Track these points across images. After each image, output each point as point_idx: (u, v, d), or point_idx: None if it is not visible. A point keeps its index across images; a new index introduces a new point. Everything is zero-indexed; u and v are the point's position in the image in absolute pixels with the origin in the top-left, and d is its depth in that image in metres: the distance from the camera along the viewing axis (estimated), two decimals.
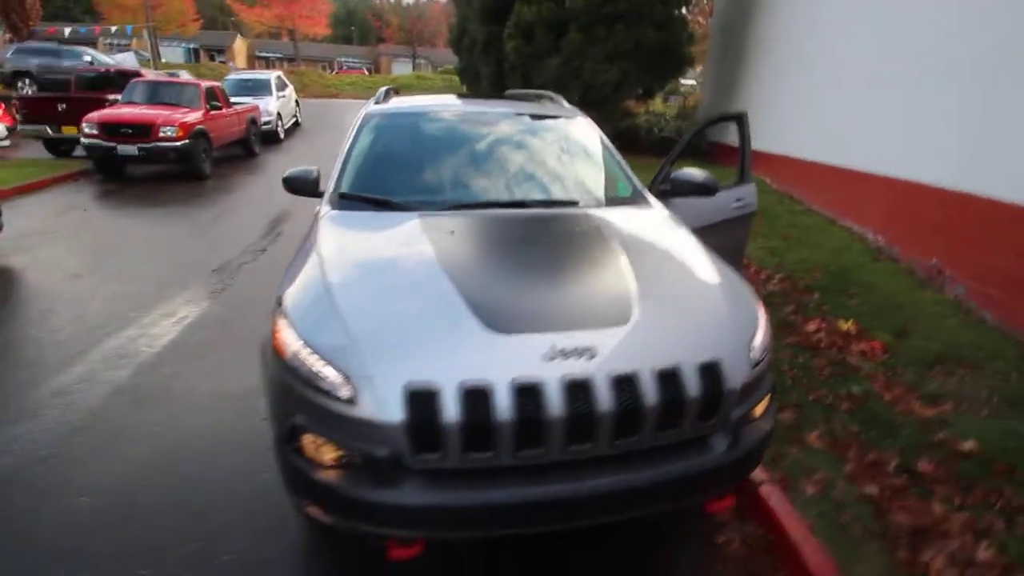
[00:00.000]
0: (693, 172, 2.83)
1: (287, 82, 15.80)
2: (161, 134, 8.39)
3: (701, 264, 2.04)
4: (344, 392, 1.46)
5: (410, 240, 2.02)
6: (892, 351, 3.54)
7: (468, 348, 1.52)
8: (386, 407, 1.42)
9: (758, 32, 9.25)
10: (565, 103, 3.41)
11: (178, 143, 8.48)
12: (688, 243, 2.20)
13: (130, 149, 8.34)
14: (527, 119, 3.05)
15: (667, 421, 1.51)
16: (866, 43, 5.93)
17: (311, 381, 1.51)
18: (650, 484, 1.49)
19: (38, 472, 2.44)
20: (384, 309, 1.65)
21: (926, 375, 3.28)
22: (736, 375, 1.59)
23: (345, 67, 46.62)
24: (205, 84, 10.14)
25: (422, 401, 1.42)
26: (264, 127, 12.72)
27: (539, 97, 3.62)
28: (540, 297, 1.77)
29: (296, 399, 1.54)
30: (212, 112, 9.62)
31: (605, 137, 3.07)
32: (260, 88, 13.96)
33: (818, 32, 7.12)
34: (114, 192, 8.12)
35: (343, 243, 2.05)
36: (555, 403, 1.42)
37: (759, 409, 1.72)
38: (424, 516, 1.44)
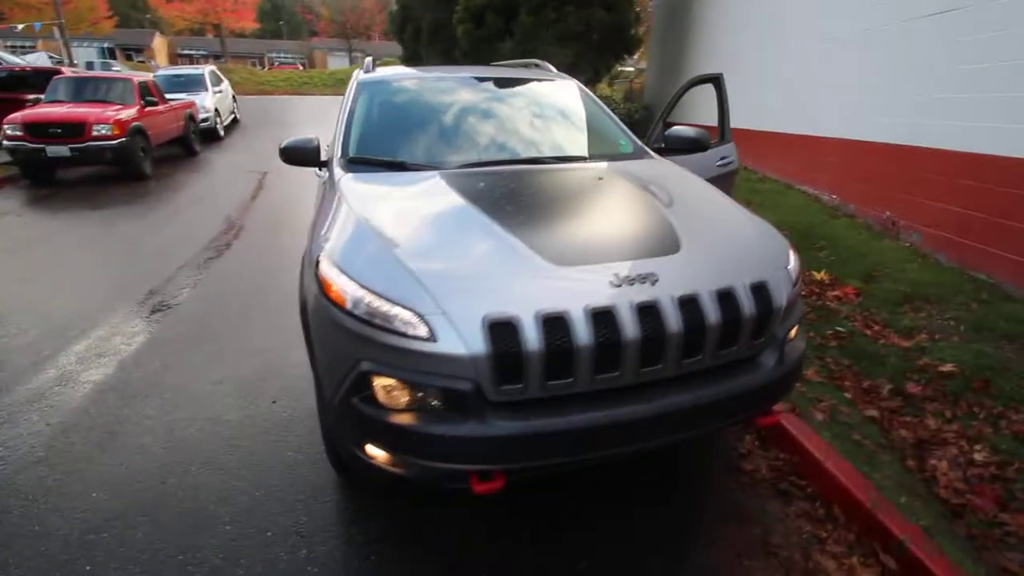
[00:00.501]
0: (686, 129, 2.93)
1: (222, 77, 15.04)
2: (95, 133, 7.80)
3: (721, 201, 2.14)
4: (421, 330, 1.45)
5: (441, 193, 2.00)
6: (864, 294, 3.80)
7: (536, 280, 1.53)
8: (468, 340, 1.42)
9: (701, 11, 9.58)
10: (553, 69, 3.44)
11: (114, 142, 7.91)
12: (703, 185, 2.29)
13: (61, 150, 7.71)
14: (523, 83, 3.05)
15: (726, 340, 1.58)
16: (813, 9, 6.27)
17: (383, 324, 1.47)
18: (712, 402, 1.56)
19: (38, 473, 2.26)
20: (441, 251, 1.65)
21: (899, 312, 3.54)
22: (780, 294, 1.68)
23: (277, 63, 44.74)
24: (138, 78, 9.50)
25: (503, 332, 1.42)
26: (202, 124, 12.07)
27: (526, 65, 3.63)
28: (588, 234, 1.80)
29: (363, 346, 1.50)
30: (147, 108, 9.03)
31: (599, 100, 3.12)
32: (193, 84, 13.20)
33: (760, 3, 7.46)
34: (48, 197, 7.49)
35: (375, 199, 2.01)
36: (628, 326, 1.46)
37: (794, 330, 1.82)
38: (508, 447, 1.45)
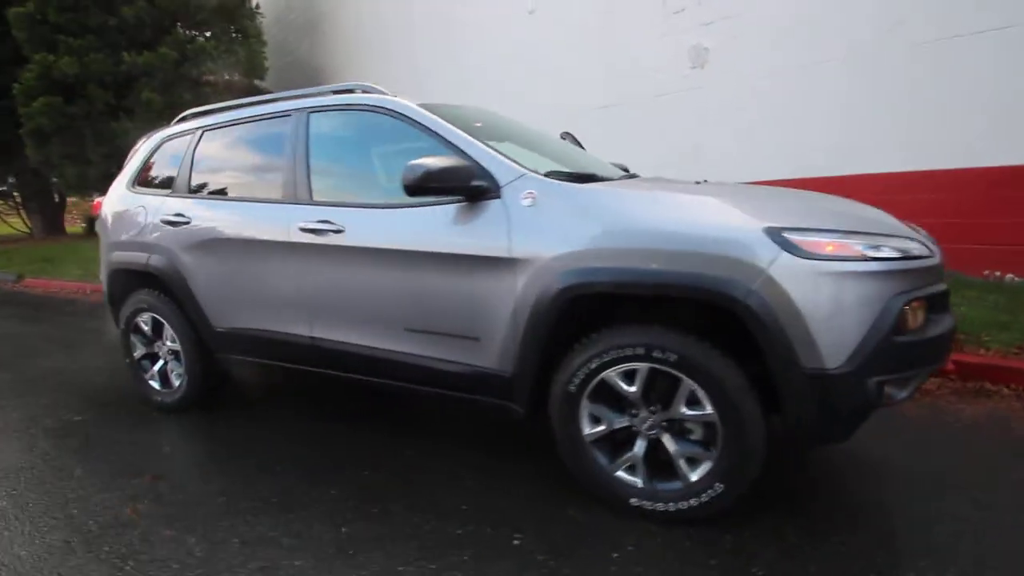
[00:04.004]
0: None
1: None
2: None
3: None
4: (925, 251, 1.73)
5: (690, 189, 2.12)
6: None
7: None
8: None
9: None
10: None
11: None
12: None
13: None
14: None
15: None
16: None
17: (899, 255, 1.66)
18: None
19: None
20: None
21: None
22: None
23: None
24: None
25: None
26: None
27: None
28: None
29: (895, 282, 1.64)
30: None
31: None
32: None
33: None
34: None
35: (677, 191, 2.05)
36: None
37: None
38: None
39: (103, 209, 3.20)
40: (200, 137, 2.85)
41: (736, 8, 5.11)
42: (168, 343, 2.93)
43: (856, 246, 1.63)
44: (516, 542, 1.81)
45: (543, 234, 1.88)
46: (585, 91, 6.37)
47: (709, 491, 1.76)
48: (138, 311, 2.99)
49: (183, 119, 3.12)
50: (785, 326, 1.58)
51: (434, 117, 2.19)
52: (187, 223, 2.71)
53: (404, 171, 1.91)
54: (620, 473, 1.89)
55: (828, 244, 1.62)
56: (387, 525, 1.93)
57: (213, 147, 2.82)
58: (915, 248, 1.72)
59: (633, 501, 1.86)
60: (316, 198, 2.38)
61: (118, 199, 3.11)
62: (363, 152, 2.46)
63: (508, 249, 1.91)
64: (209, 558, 1.79)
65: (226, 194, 2.71)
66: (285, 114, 2.55)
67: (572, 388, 1.88)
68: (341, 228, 2.24)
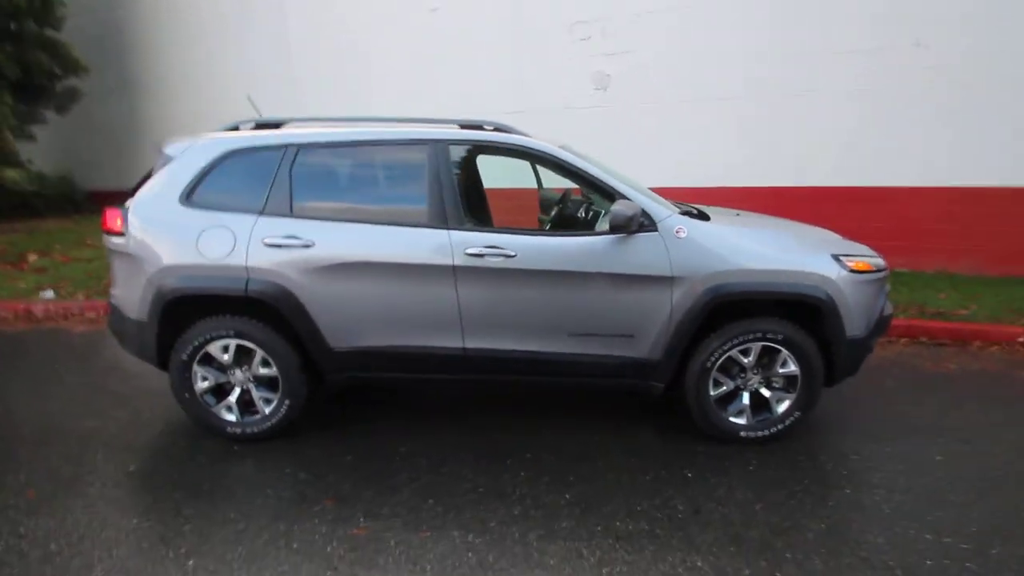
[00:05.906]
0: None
1: None
2: None
3: None
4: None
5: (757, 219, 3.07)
6: None
7: None
8: None
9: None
10: None
11: None
12: None
13: None
14: None
15: None
16: None
17: (880, 266, 2.83)
18: None
19: None
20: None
21: None
22: None
23: None
24: None
25: None
26: None
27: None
28: None
29: (881, 283, 2.83)
30: None
31: None
32: None
33: None
34: None
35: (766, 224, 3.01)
36: None
37: None
38: None
39: (137, 226, 2.79)
40: (296, 154, 2.78)
41: (633, 44, 6.29)
42: (260, 370, 2.82)
43: (865, 262, 2.80)
44: (689, 475, 2.61)
45: (693, 259, 2.64)
46: (494, 97, 6.93)
47: (790, 418, 2.80)
48: (211, 340, 2.78)
49: (235, 128, 2.93)
50: (842, 313, 2.68)
51: (587, 163, 2.75)
52: (307, 246, 2.68)
53: (612, 216, 2.49)
54: (731, 418, 2.82)
55: (856, 263, 2.75)
56: (610, 489, 2.51)
57: (318, 167, 2.79)
58: (883, 262, 2.98)
59: (742, 434, 2.81)
60: (469, 225, 2.71)
61: (167, 216, 2.77)
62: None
63: (669, 270, 2.62)
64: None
65: (353, 217, 2.75)
66: (420, 142, 2.75)
67: (708, 364, 2.72)
68: (513, 253, 2.65)
